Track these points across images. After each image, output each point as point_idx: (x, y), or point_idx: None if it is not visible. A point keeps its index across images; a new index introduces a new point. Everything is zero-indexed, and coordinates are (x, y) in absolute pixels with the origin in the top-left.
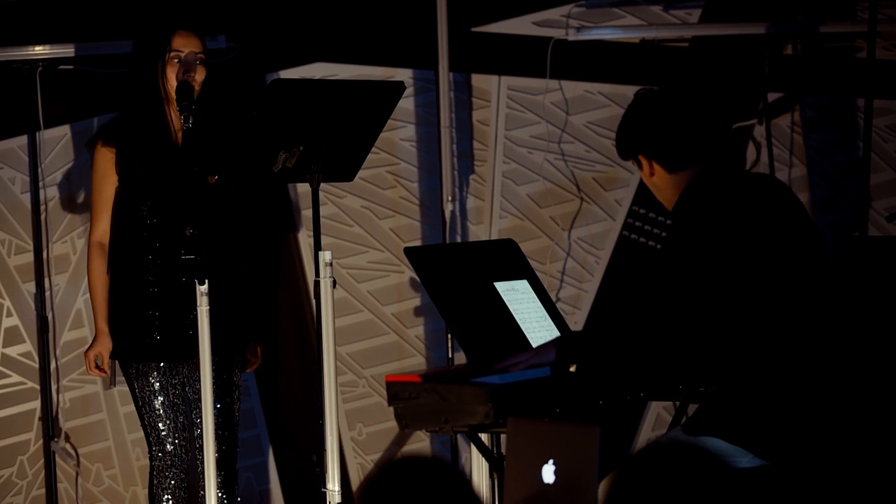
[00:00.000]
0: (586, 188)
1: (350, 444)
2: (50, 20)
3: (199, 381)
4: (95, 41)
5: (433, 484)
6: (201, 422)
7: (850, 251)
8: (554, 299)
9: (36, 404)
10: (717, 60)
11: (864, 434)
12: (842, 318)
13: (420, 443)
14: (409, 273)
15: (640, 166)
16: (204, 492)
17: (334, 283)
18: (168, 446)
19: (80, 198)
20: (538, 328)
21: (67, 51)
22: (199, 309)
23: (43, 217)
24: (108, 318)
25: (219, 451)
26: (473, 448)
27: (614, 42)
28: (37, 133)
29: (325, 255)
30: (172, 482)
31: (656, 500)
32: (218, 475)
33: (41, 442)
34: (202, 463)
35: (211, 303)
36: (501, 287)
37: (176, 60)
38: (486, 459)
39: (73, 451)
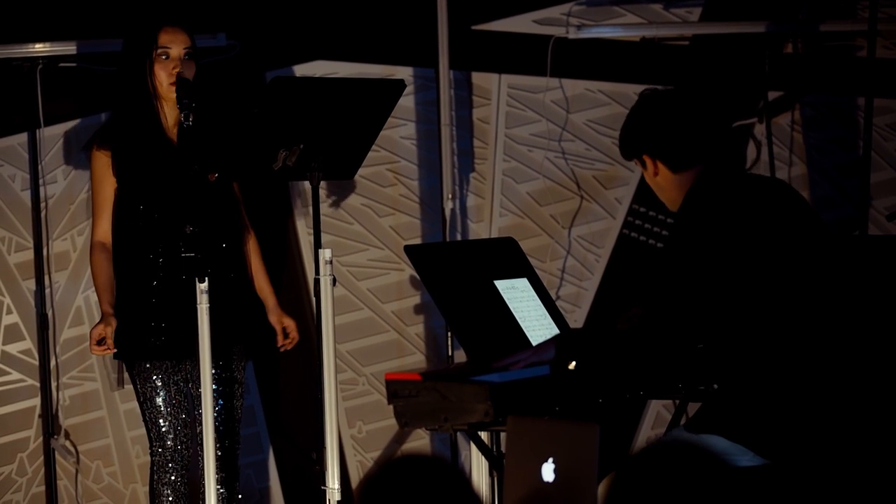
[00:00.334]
0: (586, 186)
1: (350, 442)
2: (50, 17)
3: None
4: (96, 38)
5: (433, 482)
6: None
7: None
8: (554, 297)
9: (36, 401)
10: (718, 59)
11: (865, 433)
12: (844, 317)
13: (420, 441)
14: (409, 271)
15: (643, 166)
16: (205, 488)
17: (334, 281)
18: (169, 443)
19: (80, 195)
20: (538, 326)
21: (68, 48)
22: (198, 307)
23: (43, 214)
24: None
25: (220, 447)
26: (473, 446)
27: (615, 40)
28: (37, 130)
29: (325, 253)
30: (173, 478)
31: (656, 499)
32: (219, 472)
33: (41, 439)
34: (203, 459)
35: (213, 300)
36: (501, 285)
37: (164, 57)
38: (486, 458)
39: (72, 449)
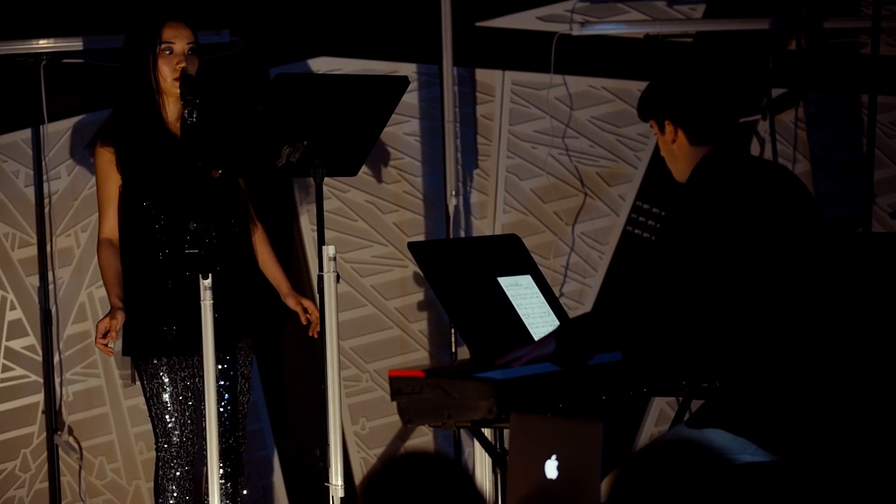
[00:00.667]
0: (590, 183)
1: (353, 439)
2: (54, 13)
3: None
4: (100, 34)
5: (436, 479)
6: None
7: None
8: (557, 294)
9: (39, 397)
10: (721, 56)
11: (867, 427)
12: (847, 311)
13: (423, 437)
14: (412, 268)
15: (661, 130)
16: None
17: (338, 278)
18: (174, 438)
19: (84, 191)
20: (541, 323)
21: (71, 44)
22: (202, 303)
23: (47, 210)
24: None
25: (225, 443)
26: (476, 443)
27: (618, 37)
28: (41, 126)
29: (329, 250)
30: (178, 473)
31: (659, 496)
32: (225, 467)
33: (44, 435)
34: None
35: (219, 295)
36: (505, 282)
37: (167, 52)
38: (489, 455)
39: (76, 445)
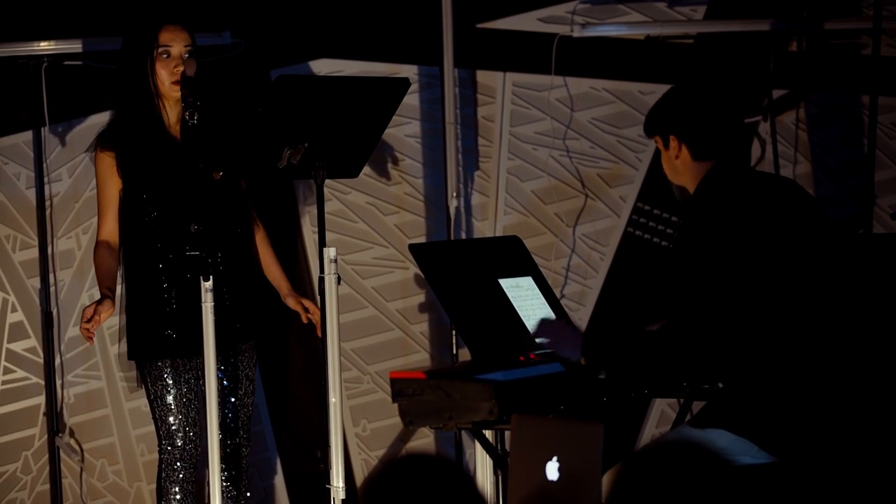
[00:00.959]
0: (591, 185)
1: (354, 440)
2: (55, 16)
3: None
4: (101, 37)
5: (437, 480)
6: None
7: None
8: (558, 296)
9: (41, 399)
10: (722, 57)
11: (870, 429)
12: (849, 314)
13: (424, 439)
14: (413, 269)
15: (665, 146)
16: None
17: (339, 280)
18: (178, 441)
19: (85, 193)
20: None
21: (73, 46)
22: (203, 305)
23: (48, 213)
24: (127, 319)
25: (229, 445)
26: (477, 445)
27: (619, 39)
28: (42, 128)
29: (330, 252)
30: (181, 475)
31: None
32: (228, 470)
33: (46, 437)
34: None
35: (221, 297)
36: (506, 284)
37: (165, 56)
38: (490, 456)
39: (77, 447)
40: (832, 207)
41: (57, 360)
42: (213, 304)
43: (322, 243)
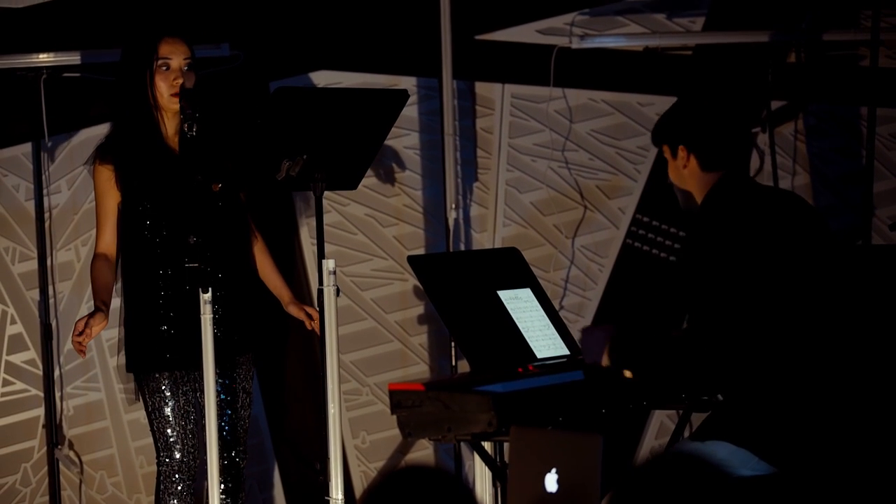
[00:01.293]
0: (590, 196)
1: (353, 452)
2: (54, 28)
3: None
4: (99, 49)
5: (436, 492)
6: None
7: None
8: (557, 307)
9: (40, 412)
10: (721, 68)
11: (870, 440)
12: (849, 325)
13: (423, 451)
14: (412, 281)
15: (674, 155)
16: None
17: (338, 292)
18: (176, 453)
19: (84, 205)
20: (541, 337)
21: (71, 58)
22: (202, 317)
23: (47, 224)
24: (125, 331)
25: (227, 457)
26: (476, 457)
27: (618, 50)
28: (41, 140)
29: (329, 264)
30: (179, 488)
31: None
32: (226, 482)
33: (45, 449)
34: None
35: (219, 310)
36: (504, 295)
37: (164, 68)
38: (489, 468)
39: (76, 459)
40: (831, 219)
41: (56, 372)
42: (211, 316)
43: (321, 255)
